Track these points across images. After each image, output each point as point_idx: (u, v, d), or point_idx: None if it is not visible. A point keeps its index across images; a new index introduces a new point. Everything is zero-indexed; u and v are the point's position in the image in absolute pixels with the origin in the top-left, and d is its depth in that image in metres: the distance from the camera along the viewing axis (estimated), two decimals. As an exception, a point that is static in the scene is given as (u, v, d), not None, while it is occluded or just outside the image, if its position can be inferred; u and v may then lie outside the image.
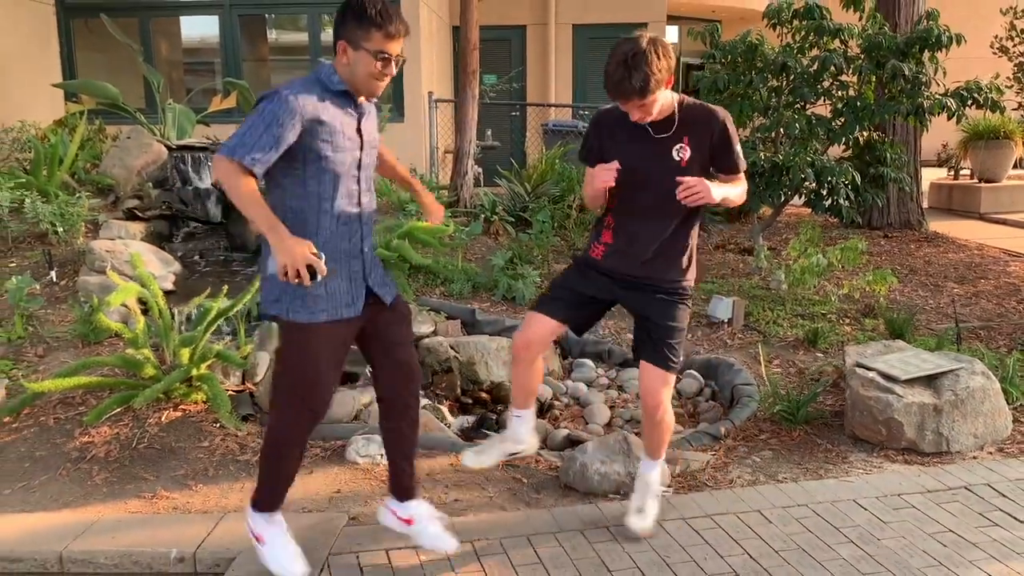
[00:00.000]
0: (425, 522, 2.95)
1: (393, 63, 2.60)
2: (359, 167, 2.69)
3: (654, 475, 3.23)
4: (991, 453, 3.93)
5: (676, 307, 3.04)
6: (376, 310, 2.78)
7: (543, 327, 3.07)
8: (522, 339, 3.11)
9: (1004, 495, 3.48)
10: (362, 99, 2.70)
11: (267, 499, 2.85)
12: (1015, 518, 3.29)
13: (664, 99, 2.84)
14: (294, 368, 2.67)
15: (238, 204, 2.45)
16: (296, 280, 2.40)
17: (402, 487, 2.99)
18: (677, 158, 2.89)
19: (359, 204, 2.72)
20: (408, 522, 2.96)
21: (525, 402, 3.23)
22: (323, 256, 2.47)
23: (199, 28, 11.24)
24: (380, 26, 2.53)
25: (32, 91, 9.40)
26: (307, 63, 10.71)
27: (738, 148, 2.97)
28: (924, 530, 3.20)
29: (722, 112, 2.94)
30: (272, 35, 11.62)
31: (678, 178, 2.79)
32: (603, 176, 2.87)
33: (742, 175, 3.04)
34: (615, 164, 2.87)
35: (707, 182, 2.79)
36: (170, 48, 11.47)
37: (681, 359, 3.09)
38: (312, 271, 2.42)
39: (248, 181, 2.45)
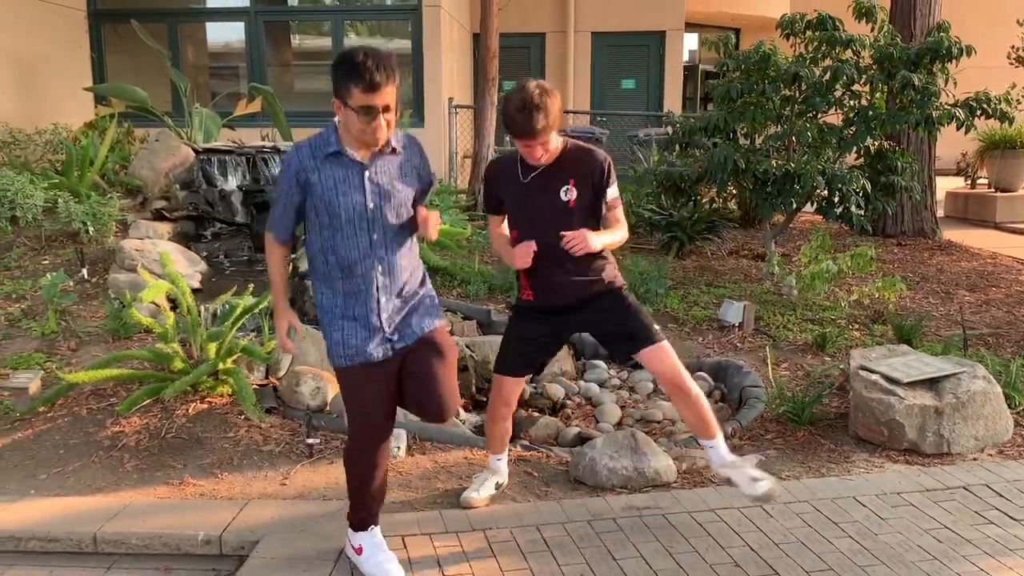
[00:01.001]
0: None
1: (380, 115, 2.60)
2: (368, 220, 2.74)
3: (724, 452, 3.33)
4: (991, 455, 4.02)
5: (622, 296, 3.28)
6: (418, 343, 2.87)
7: (514, 387, 3.41)
8: (500, 401, 3.41)
9: (1001, 495, 3.59)
10: (370, 150, 2.73)
11: (354, 515, 2.97)
12: (1011, 517, 3.39)
13: (555, 140, 3.10)
14: (345, 401, 2.87)
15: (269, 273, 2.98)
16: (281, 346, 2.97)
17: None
18: (565, 199, 3.13)
19: (372, 256, 2.77)
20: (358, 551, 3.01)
21: (501, 449, 3.59)
22: (297, 331, 2.96)
23: (225, 34, 11.49)
24: (357, 82, 2.54)
25: (63, 94, 9.66)
26: (330, 67, 10.91)
27: (612, 190, 3.20)
28: (921, 527, 3.31)
29: (604, 155, 3.20)
30: (296, 40, 11.84)
31: (562, 232, 3.04)
32: (523, 258, 3.10)
33: (620, 214, 3.26)
34: (532, 245, 3.08)
35: (587, 232, 3.04)
36: (196, 53, 11.73)
37: (656, 327, 3.29)
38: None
39: (279, 254, 2.93)
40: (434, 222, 2.80)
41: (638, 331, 3.22)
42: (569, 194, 3.13)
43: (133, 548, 3.21)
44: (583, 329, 3.47)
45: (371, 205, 2.73)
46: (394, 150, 2.79)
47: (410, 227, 2.87)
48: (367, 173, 2.73)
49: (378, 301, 2.79)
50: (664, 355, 3.21)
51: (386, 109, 2.62)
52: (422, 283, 2.95)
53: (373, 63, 2.54)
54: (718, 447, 3.32)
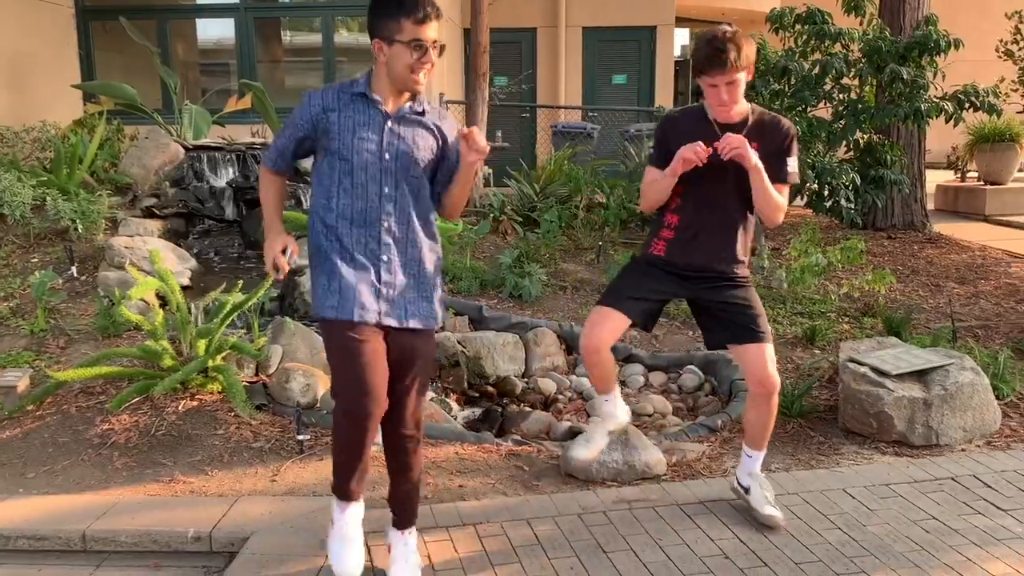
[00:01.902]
0: (392, 561, 2.87)
1: (430, 50, 2.53)
2: (381, 171, 2.63)
3: (757, 466, 3.30)
4: (979, 446, 4.05)
5: (749, 290, 3.18)
6: (398, 333, 2.70)
7: (611, 325, 3.11)
8: (591, 343, 3.12)
9: (989, 486, 3.61)
10: (398, 103, 2.64)
11: (335, 483, 2.79)
12: (998, 507, 3.41)
13: (742, 94, 2.98)
14: (330, 365, 2.69)
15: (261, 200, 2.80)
16: (272, 271, 2.73)
17: (390, 507, 2.94)
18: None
19: (380, 210, 2.64)
20: (388, 548, 2.91)
21: (607, 387, 3.34)
22: (293, 257, 2.71)
23: (214, 30, 11.44)
24: (409, 12, 2.48)
25: (51, 92, 9.61)
26: (321, 65, 10.90)
27: (793, 162, 3.07)
28: (909, 517, 3.33)
29: (791, 125, 3.09)
30: (286, 37, 11.81)
31: (727, 135, 2.89)
32: (694, 153, 2.89)
33: (784, 190, 3.10)
34: (701, 145, 2.90)
35: (747, 143, 2.88)
36: (186, 49, 11.68)
37: (767, 326, 3.17)
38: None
39: (271, 181, 2.81)
40: (477, 134, 2.63)
41: (753, 324, 3.11)
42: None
43: (122, 546, 3.20)
44: (696, 300, 3.22)
45: (387, 156, 2.63)
46: (423, 112, 2.69)
47: (426, 201, 2.73)
48: (389, 123, 2.64)
49: (380, 259, 2.65)
50: (766, 355, 3.11)
51: (435, 45, 2.54)
52: (434, 274, 2.78)
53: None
54: (757, 459, 3.30)
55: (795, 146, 3.09)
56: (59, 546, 3.20)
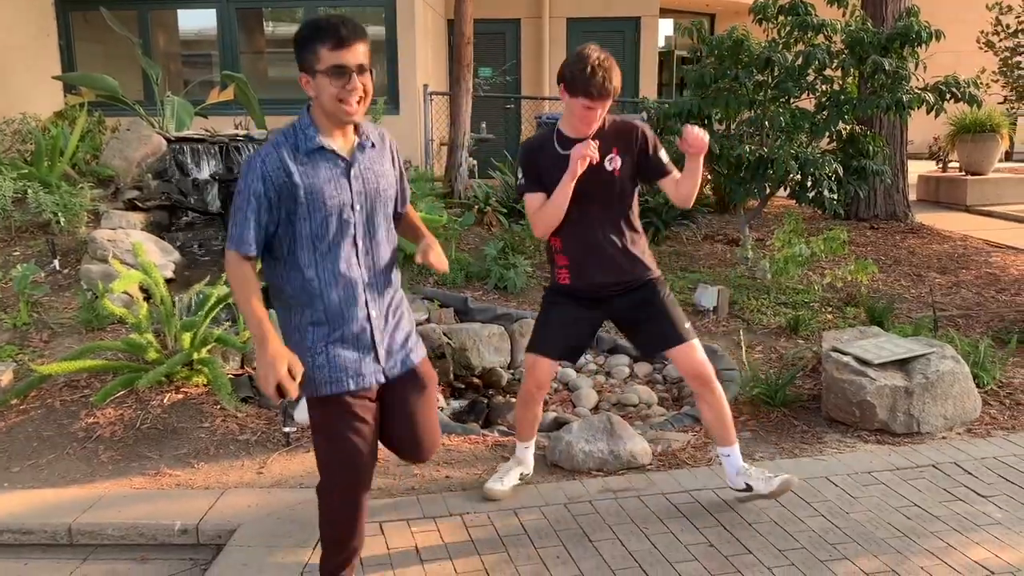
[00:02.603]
0: None
1: (354, 76, 2.30)
2: (353, 225, 2.43)
3: (739, 460, 3.34)
4: (960, 434, 4.10)
5: (659, 290, 3.25)
6: (403, 375, 2.58)
7: (545, 370, 3.30)
8: (532, 384, 3.33)
9: (969, 472, 3.66)
10: (349, 147, 2.44)
11: (329, 564, 2.64)
12: (978, 493, 3.46)
13: None
14: (324, 441, 2.50)
15: (236, 300, 2.43)
16: (276, 397, 2.31)
17: None
18: (609, 168, 3.12)
19: (359, 266, 2.46)
20: None
21: (529, 435, 3.52)
22: (298, 375, 2.29)
23: (196, 21, 11.35)
24: (324, 39, 2.27)
25: (31, 83, 9.52)
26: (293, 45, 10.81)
27: (663, 153, 3.19)
28: (891, 504, 3.37)
29: (637, 121, 3.21)
30: (269, 28, 11.73)
31: (687, 127, 2.99)
32: (583, 152, 2.99)
33: (674, 174, 3.21)
34: (591, 143, 3.02)
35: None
36: (167, 40, 11.58)
37: (688, 324, 3.26)
38: (287, 388, 2.26)
39: (247, 270, 2.36)
40: (439, 252, 2.57)
41: (672, 329, 3.19)
42: (613, 163, 3.11)
43: (109, 539, 3.20)
44: (616, 318, 3.35)
45: (356, 207, 2.42)
46: (373, 144, 2.48)
47: (394, 244, 2.59)
48: (352, 171, 2.42)
49: (369, 317, 2.47)
50: (694, 353, 3.19)
51: (361, 70, 2.31)
52: (407, 307, 2.66)
53: (338, 19, 2.30)
54: (734, 455, 3.33)
55: (651, 136, 3.18)
56: (45, 540, 3.20)
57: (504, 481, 3.44)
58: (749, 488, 3.31)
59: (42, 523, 3.22)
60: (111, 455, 3.77)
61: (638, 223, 3.29)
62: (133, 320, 4.18)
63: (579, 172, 3.03)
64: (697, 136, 2.97)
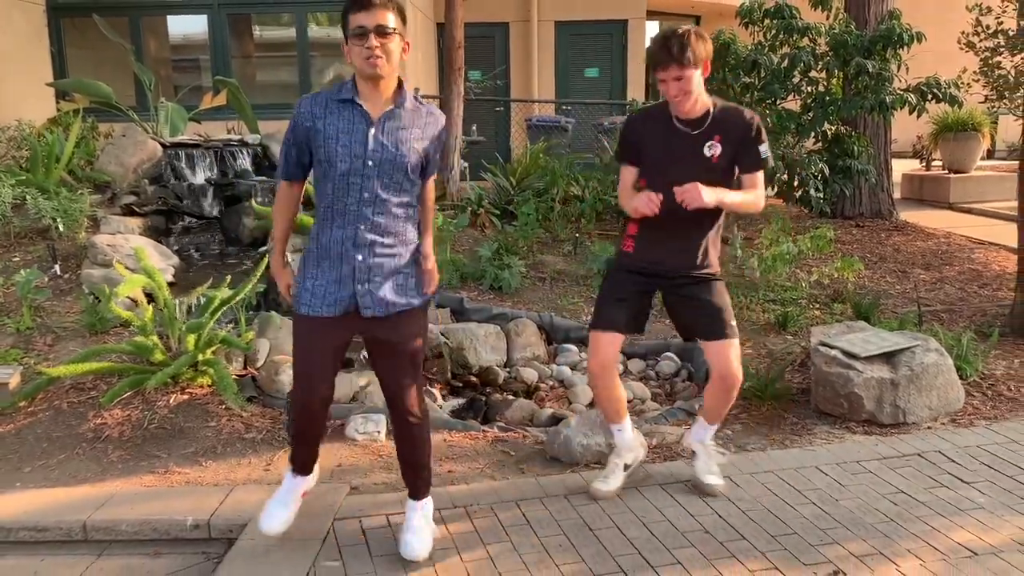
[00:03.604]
0: (405, 530, 3.05)
1: (372, 36, 2.59)
2: (361, 176, 2.71)
3: (708, 436, 3.50)
4: (944, 424, 4.23)
5: (716, 287, 3.30)
6: (377, 322, 2.83)
7: (612, 345, 3.29)
8: (597, 363, 3.30)
9: (953, 460, 3.79)
10: (381, 106, 2.72)
11: (291, 456, 3.12)
12: (961, 480, 3.60)
13: (700, 89, 3.08)
14: (293, 348, 2.89)
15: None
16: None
17: (405, 483, 3.15)
18: (708, 154, 3.11)
19: (358, 213, 2.74)
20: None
21: (618, 415, 3.44)
22: (297, 286, 2.86)
23: (187, 26, 11.42)
24: (350, 6, 2.61)
25: (24, 90, 9.56)
26: (295, 60, 10.92)
27: (764, 148, 3.16)
28: (878, 492, 3.50)
29: (753, 115, 3.18)
30: (260, 33, 11.80)
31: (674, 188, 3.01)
32: (646, 205, 3.03)
33: (759, 178, 3.19)
34: (657, 197, 3.04)
35: (700, 187, 2.95)
36: (159, 46, 11.64)
37: (734, 323, 3.30)
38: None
39: (284, 195, 2.95)
40: (434, 276, 2.92)
41: (720, 322, 3.23)
42: (712, 150, 3.09)
43: (123, 535, 3.28)
44: (667, 295, 3.36)
45: (370, 162, 2.70)
46: (406, 107, 2.76)
47: (410, 202, 2.84)
48: (373, 129, 2.70)
49: (355, 258, 2.77)
50: (731, 352, 3.23)
51: (380, 31, 2.60)
52: (413, 268, 2.89)
53: None
54: (709, 431, 3.49)
55: (763, 133, 3.18)
56: (60, 536, 3.28)
57: (609, 481, 3.43)
58: (694, 456, 3.50)
59: (57, 520, 3.31)
60: (120, 454, 3.86)
61: (721, 219, 3.27)
62: (139, 323, 4.27)
63: (636, 215, 3.10)
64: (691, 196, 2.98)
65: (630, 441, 3.50)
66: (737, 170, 3.20)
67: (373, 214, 2.75)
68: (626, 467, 3.50)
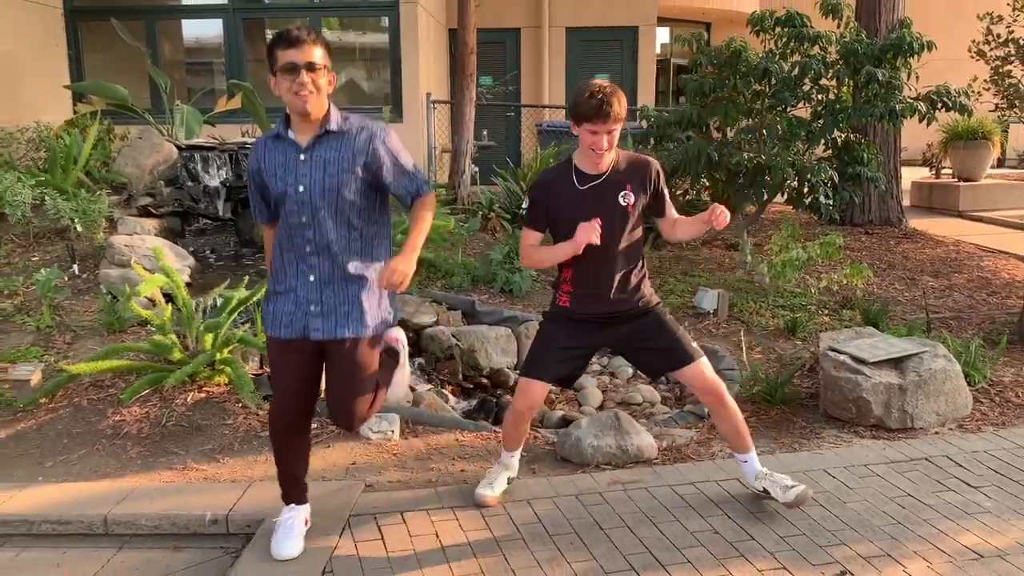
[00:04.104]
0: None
1: (303, 72, 2.68)
2: (299, 203, 2.81)
3: (756, 465, 3.46)
4: (952, 429, 4.27)
5: (660, 316, 3.37)
6: (333, 342, 2.90)
7: (539, 393, 3.37)
8: (524, 405, 3.40)
9: (960, 465, 3.83)
10: (310, 133, 2.81)
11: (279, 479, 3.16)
12: (968, 484, 3.64)
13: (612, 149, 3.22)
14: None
15: None
16: None
17: None
18: (624, 203, 3.24)
19: (304, 239, 2.85)
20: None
21: (516, 445, 3.60)
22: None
23: (201, 30, 11.53)
24: (277, 43, 2.71)
25: (42, 92, 9.68)
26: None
27: (666, 194, 3.35)
28: (886, 495, 3.54)
29: (652, 160, 3.33)
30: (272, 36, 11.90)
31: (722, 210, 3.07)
32: (587, 232, 3.10)
33: (670, 207, 3.39)
34: (597, 221, 3.12)
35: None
36: (173, 49, 11.75)
37: (693, 344, 3.38)
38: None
39: (268, 237, 3.10)
40: (395, 275, 2.77)
41: (677, 351, 3.29)
42: (627, 199, 3.22)
43: (143, 529, 3.35)
44: (617, 344, 3.45)
45: (300, 188, 2.80)
46: (334, 132, 2.82)
47: (350, 219, 2.86)
48: (302, 156, 2.81)
49: (308, 282, 2.87)
50: (703, 370, 3.30)
51: (310, 67, 2.69)
52: (365, 289, 2.92)
53: (295, 27, 2.72)
54: (751, 461, 3.46)
55: (662, 176, 3.34)
56: (82, 530, 3.35)
57: (494, 487, 3.49)
58: (766, 493, 3.43)
59: (79, 514, 3.38)
60: (139, 451, 3.93)
61: (641, 254, 3.40)
62: (158, 322, 4.34)
63: (580, 250, 3.16)
64: (726, 217, 3.09)
65: (515, 464, 3.62)
66: (657, 215, 3.37)
67: (314, 237, 2.85)
68: (509, 480, 3.58)
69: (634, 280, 3.33)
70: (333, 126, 2.83)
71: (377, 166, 2.88)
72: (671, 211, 3.39)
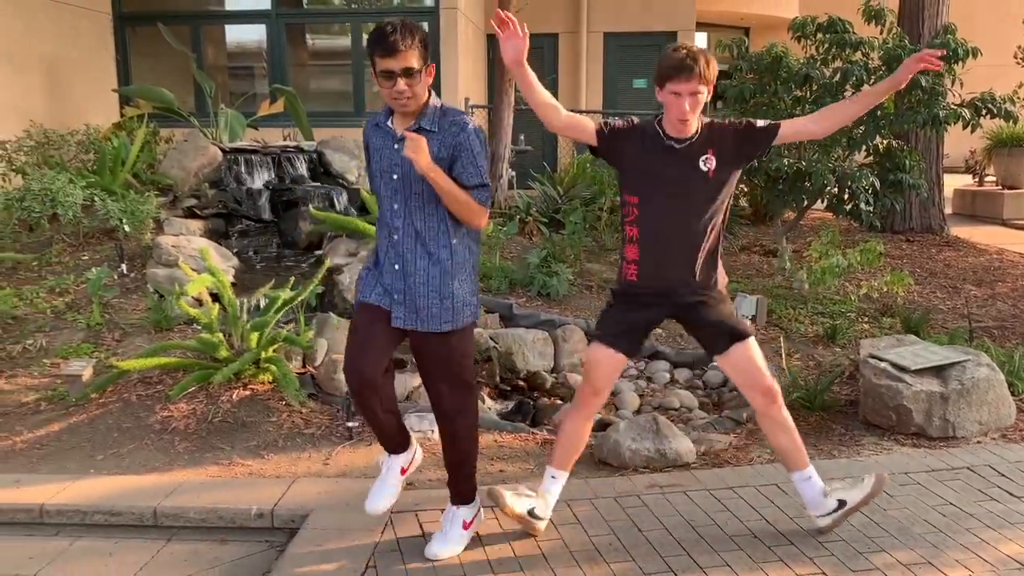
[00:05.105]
0: (438, 532, 3.17)
1: (399, 79, 2.73)
2: (394, 190, 2.91)
3: (819, 482, 3.23)
4: (994, 439, 4.23)
5: (723, 303, 3.22)
6: (414, 334, 2.96)
7: (609, 366, 3.15)
8: (590, 387, 3.18)
9: (1004, 475, 3.80)
10: (405, 127, 2.85)
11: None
12: (1011, 494, 3.60)
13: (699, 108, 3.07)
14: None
15: None
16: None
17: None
18: (704, 168, 3.09)
19: (393, 225, 2.92)
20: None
21: (567, 462, 3.29)
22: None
23: (245, 35, 11.74)
24: (374, 49, 2.74)
25: (90, 96, 9.94)
26: (348, 69, 11.17)
27: (758, 121, 3.15)
28: (927, 503, 3.52)
29: (736, 119, 3.21)
30: (315, 42, 12.08)
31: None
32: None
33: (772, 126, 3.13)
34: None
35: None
36: (216, 54, 11.99)
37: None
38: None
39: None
40: (418, 145, 2.73)
41: (728, 329, 3.15)
42: (708, 163, 3.06)
43: (191, 521, 3.44)
44: (677, 315, 3.26)
45: (395, 176, 2.90)
46: (425, 121, 2.85)
47: (437, 212, 2.89)
48: (396, 146, 2.89)
49: (389, 261, 2.94)
50: (756, 355, 3.15)
51: (406, 73, 2.73)
52: (443, 285, 2.91)
53: (391, 28, 2.72)
54: (814, 477, 3.23)
55: (742, 121, 3.15)
56: (132, 521, 3.45)
57: (514, 502, 3.19)
58: (842, 503, 3.19)
59: (129, 506, 3.48)
60: (186, 446, 4.03)
61: (720, 238, 3.18)
62: (205, 320, 4.45)
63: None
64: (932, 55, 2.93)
65: (552, 498, 3.30)
66: (767, 139, 3.12)
67: (402, 224, 2.92)
68: (531, 512, 3.23)
69: (706, 262, 3.13)
70: (426, 123, 2.87)
71: (461, 160, 2.88)
72: (785, 123, 3.13)
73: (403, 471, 3.22)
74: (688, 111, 2.96)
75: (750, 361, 3.14)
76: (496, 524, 3.32)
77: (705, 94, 3.00)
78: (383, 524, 3.30)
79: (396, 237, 2.93)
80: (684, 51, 2.97)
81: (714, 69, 2.98)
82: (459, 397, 3.08)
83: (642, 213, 3.10)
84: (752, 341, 3.16)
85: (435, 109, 2.90)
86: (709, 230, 3.12)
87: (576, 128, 3.14)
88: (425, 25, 10.67)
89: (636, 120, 3.21)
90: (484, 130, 10.29)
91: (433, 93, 2.93)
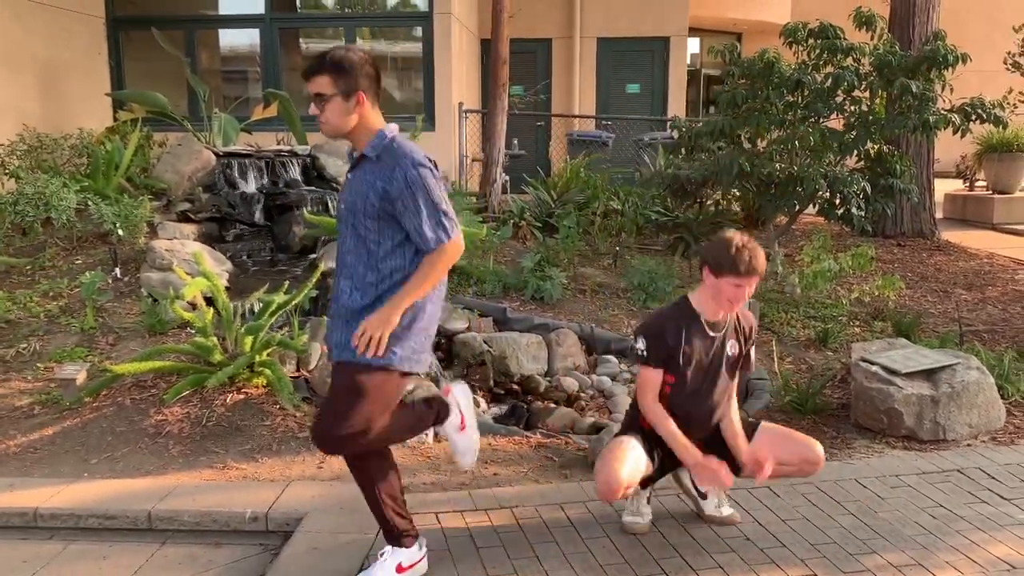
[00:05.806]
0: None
1: (312, 102, 2.75)
2: (340, 222, 2.85)
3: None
4: (984, 442, 4.26)
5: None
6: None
7: (633, 471, 3.12)
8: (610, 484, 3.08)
9: (993, 477, 3.83)
10: (360, 152, 2.81)
11: None
12: (1001, 496, 3.64)
13: None
14: None
15: None
16: None
17: None
18: (731, 353, 3.25)
19: (340, 254, 2.85)
20: None
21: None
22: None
23: (239, 39, 11.74)
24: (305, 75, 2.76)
25: (83, 100, 9.92)
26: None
27: (752, 353, 3.37)
28: (917, 505, 3.55)
29: (751, 316, 3.37)
30: (309, 47, 12.09)
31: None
32: (717, 479, 3.07)
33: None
34: (724, 466, 3.09)
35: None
36: (210, 58, 11.98)
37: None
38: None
39: None
40: (363, 338, 2.66)
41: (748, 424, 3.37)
42: (734, 349, 3.25)
43: (185, 525, 3.45)
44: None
45: (341, 206, 2.85)
46: (369, 155, 2.76)
47: (367, 245, 2.76)
48: (347, 175, 2.87)
49: (335, 300, 2.85)
50: (780, 432, 3.36)
51: (317, 98, 2.72)
52: (360, 313, 2.75)
53: (319, 55, 2.75)
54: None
55: (754, 335, 3.35)
56: (127, 525, 3.46)
57: (642, 513, 3.36)
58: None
59: (123, 509, 3.48)
60: (180, 449, 4.03)
61: (734, 397, 3.36)
62: (199, 324, 4.46)
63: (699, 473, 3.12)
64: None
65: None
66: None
67: (342, 257, 2.84)
68: (648, 500, 3.42)
69: (720, 420, 3.30)
70: (369, 151, 2.77)
71: (401, 200, 2.70)
72: (749, 372, 3.47)
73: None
74: (737, 303, 3.14)
75: (787, 435, 3.34)
76: (489, 527, 3.33)
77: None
78: (377, 528, 3.30)
79: (339, 268, 2.86)
80: (746, 250, 3.02)
81: (764, 261, 3.11)
82: (336, 443, 2.78)
83: (673, 392, 3.21)
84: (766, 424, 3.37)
85: (382, 138, 2.75)
86: (726, 397, 3.31)
87: (657, 418, 3.19)
88: (418, 30, 10.70)
89: (664, 318, 3.23)
90: (479, 135, 10.34)
91: (388, 125, 2.79)
